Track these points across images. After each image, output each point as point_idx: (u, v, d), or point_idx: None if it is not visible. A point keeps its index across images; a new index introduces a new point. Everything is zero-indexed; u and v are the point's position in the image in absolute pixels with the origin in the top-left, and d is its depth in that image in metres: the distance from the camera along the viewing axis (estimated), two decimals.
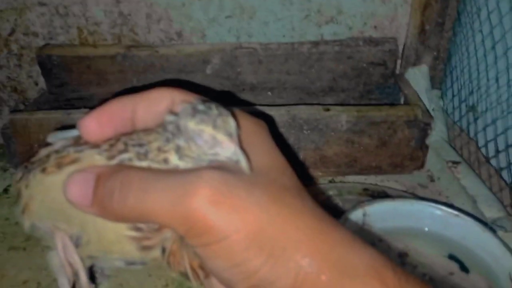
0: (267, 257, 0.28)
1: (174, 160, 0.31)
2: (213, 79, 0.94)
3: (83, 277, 0.34)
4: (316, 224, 0.29)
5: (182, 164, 0.31)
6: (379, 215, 0.65)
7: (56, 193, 0.33)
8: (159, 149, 0.31)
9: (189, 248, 0.32)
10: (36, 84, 1.02)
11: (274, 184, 0.30)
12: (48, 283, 0.67)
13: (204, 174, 0.28)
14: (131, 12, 0.94)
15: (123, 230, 0.32)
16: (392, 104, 0.91)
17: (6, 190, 0.86)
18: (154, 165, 0.31)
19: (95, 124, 0.34)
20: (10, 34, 0.97)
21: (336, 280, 0.28)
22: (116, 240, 0.32)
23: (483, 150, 0.80)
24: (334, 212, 0.75)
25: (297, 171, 0.32)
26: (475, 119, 0.83)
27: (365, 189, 0.81)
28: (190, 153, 0.30)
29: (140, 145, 0.32)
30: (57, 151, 0.35)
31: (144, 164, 0.31)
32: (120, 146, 0.32)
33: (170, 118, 0.31)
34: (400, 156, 0.84)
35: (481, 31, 0.81)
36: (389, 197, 0.77)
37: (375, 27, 0.97)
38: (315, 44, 0.94)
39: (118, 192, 0.30)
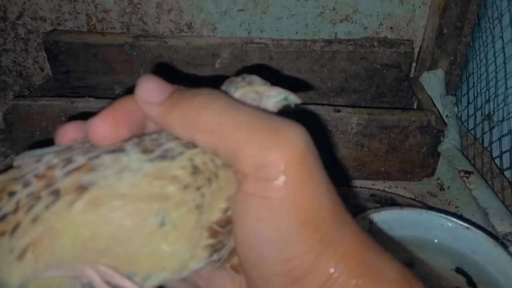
0: (316, 242, 0.26)
1: None
2: (221, 73, 0.91)
3: None
4: (356, 225, 0.29)
5: None
6: (386, 223, 0.63)
7: (102, 226, 0.27)
8: None
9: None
10: (42, 70, 1.00)
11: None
12: None
13: (299, 125, 0.27)
14: (141, 1, 0.92)
15: (203, 240, 0.28)
16: (404, 109, 0.88)
17: None
18: None
19: (112, 123, 0.29)
20: (18, 18, 0.95)
21: (367, 286, 0.27)
22: (189, 257, 0.28)
23: (497, 161, 0.77)
24: None
25: None
26: (491, 128, 0.80)
27: (372, 195, 0.78)
28: None
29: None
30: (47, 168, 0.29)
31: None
32: (154, 136, 0.29)
33: None
34: (410, 162, 0.82)
35: (501, 37, 0.78)
36: (397, 204, 0.75)
37: (391, 28, 0.94)
38: (329, 42, 0.91)
39: (204, 96, 0.28)
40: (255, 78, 0.32)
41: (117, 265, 0.28)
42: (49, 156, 0.30)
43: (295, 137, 0.26)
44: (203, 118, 0.27)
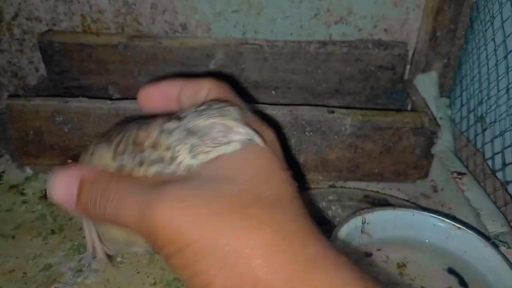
0: (220, 267, 0.28)
1: (187, 160, 0.32)
2: (216, 74, 0.92)
3: (100, 251, 0.41)
4: (278, 240, 0.28)
5: (195, 163, 0.31)
6: (379, 223, 0.63)
7: None
8: (168, 148, 0.32)
9: None
10: (37, 70, 1.00)
11: (244, 194, 0.29)
12: (34, 274, 0.65)
13: (163, 190, 0.30)
14: (136, 1, 0.92)
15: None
16: (398, 110, 0.88)
17: (0, 176, 0.84)
18: (156, 166, 0.32)
19: (156, 94, 0.38)
20: (13, 18, 0.95)
21: None
22: (127, 237, 0.36)
23: (490, 162, 0.78)
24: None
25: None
26: (483, 130, 0.81)
27: (366, 196, 0.79)
28: (204, 148, 0.31)
29: (141, 151, 0.33)
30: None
31: (142, 169, 0.32)
32: (122, 147, 0.34)
33: (173, 125, 0.33)
34: (404, 164, 0.82)
35: (493, 39, 0.79)
36: (390, 205, 0.75)
37: (385, 30, 0.95)
38: (323, 44, 0.92)
39: (99, 201, 0.33)
40: (232, 110, 0.32)
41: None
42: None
43: (162, 206, 0.30)
44: (109, 220, 0.33)
